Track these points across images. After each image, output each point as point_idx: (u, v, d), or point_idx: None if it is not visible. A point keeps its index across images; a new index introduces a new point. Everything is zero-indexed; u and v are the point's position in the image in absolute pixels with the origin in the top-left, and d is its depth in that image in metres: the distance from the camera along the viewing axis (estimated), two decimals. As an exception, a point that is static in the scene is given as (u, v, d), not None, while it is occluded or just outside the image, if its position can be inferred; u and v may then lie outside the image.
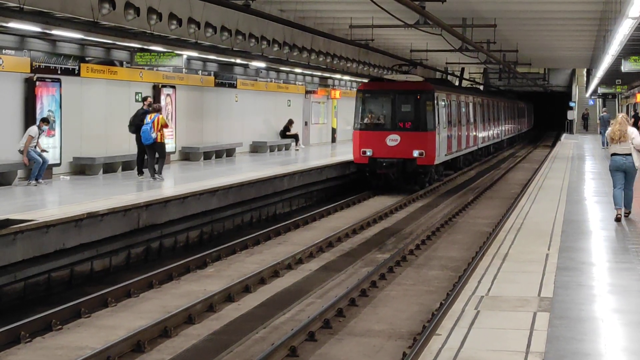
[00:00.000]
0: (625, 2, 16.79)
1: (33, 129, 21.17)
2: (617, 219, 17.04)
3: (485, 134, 47.08)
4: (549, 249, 14.31)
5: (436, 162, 30.65)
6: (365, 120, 30.46)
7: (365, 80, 35.92)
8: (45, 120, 21.57)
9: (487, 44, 34.31)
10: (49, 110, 22.48)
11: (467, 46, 31.59)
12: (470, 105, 41.01)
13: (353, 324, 12.87)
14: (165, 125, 23.27)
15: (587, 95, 75.91)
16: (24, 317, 12.59)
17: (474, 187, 33.74)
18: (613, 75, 48.00)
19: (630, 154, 16.94)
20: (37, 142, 21.30)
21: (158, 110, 23.19)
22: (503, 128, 56.77)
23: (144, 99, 24.83)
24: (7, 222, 14.73)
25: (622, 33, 21.05)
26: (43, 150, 21.53)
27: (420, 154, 29.40)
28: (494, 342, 8.89)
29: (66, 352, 11.38)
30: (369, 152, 29.56)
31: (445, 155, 32.93)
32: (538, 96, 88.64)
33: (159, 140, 22.91)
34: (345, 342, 11.92)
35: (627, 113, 48.06)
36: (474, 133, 42.06)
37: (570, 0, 26.64)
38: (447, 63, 51.67)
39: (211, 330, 12.53)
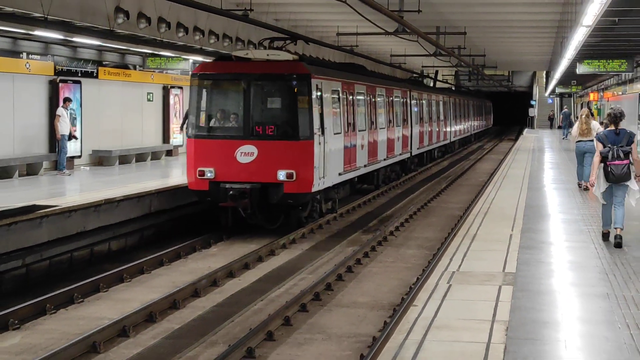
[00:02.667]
0: (579, 12, 16.81)
1: (59, 109, 21.42)
2: (583, 187, 19.81)
3: (425, 136, 35.06)
4: (512, 230, 14.36)
5: (316, 187, 17.96)
6: (204, 123, 18.13)
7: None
8: (67, 100, 21.72)
9: (458, 49, 34.26)
10: (70, 109, 22.43)
11: (441, 51, 31.58)
12: (394, 100, 28.35)
13: (340, 297, 12.88)
14: None
15: (547, 94, 76.05)
16: (50, 291, 12.60)
17: (446, 176, 33.75)
18: (569, 77, 48.08)
19: (591, 140, 18.90)
20: (70, 125, 21.62)
21: None
22: (453, 128, 45.59)
23: None
24: (34, 208, 14.72)
25: (577, 39, 21.09)
26: (73, 137, 21.80)
27: (289, 176, 17.27)
28: (464, 312, 8.93)
29: (87, 322, 11.37)
30: (209, 174, 17.43)
31: (341, 174, 20.20)
32: (503, 95, 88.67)
33: None
34: (333, 313, 11.94)
35: (582, 108, 48.14)
36: (402, 137, 29.40)
37: (532, 10, 26.64)
38: (422, 66, 51.62)
39: (215, 303, 12.53)
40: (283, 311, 11.36)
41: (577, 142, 19.96)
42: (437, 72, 55.80)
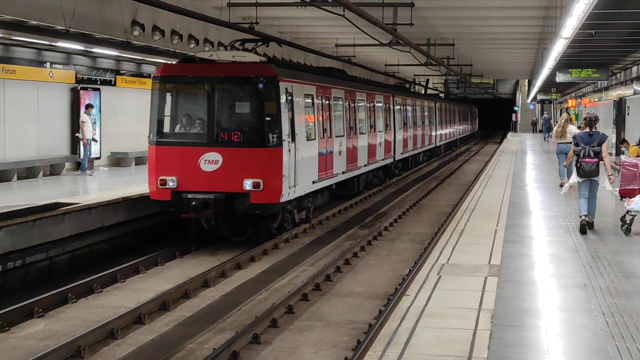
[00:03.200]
0: (559, 25, 16.80)
1: (82, 115, 21.50)
2: (561, 185, 19.69)
3: (409, 141, 32.55)
4: (497, 226, 14.34)
5: (286, 197, 15.75)
6: (166, 129, 15.95)
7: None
8: (89, 106, 21.73)
9: (447, 59, 34.25)
10: (92, 114, 22.41)
11: (431, 61, 31.58)
12: (376, 105, 25.73)
13: (339, 287, 12.87)
14: None
15: (529, 101, 76.10)
16: (71, 282, 12.59)
17: (437, 176, 33.73)
18: (549, 85, 48.14)
19: (569, 142, 18.79)
20: (93, 129, 21.68)
21: None
22: (439, 133, 43.20)
23: None
24: (57, 205, 14.71)
25: (556, 50, 21.09)
26: (93, 139, 21.88)
27: (256, 186, 15.02)
28: (452, 301, 8.91)
29: (106, 310, 11.36)
30: (171, 183, 15.31)
31: (315, 181, 17.92)
32: (489, 102, 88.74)
33: None
34: (332, 302, 11.93)
35: (561, 114, 48.25)
36: (384, 142, 26.77)
37: (515, 24, 26.63)
38: (414, 75, 51.61)
39: (223, 292, 12.52)
40: (286, 300, 11.35)
41: (558, 144, 20.80)
42: (427, 80, 55.78)
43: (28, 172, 20.23)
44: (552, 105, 72.69)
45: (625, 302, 8.81)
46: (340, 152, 20.27)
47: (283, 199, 15.63)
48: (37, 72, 21.03)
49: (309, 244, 16.87)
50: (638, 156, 17.13)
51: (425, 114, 37.89)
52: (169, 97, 16.02)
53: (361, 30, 21.18)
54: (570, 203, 17.38)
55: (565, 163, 15.44)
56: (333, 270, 13.76)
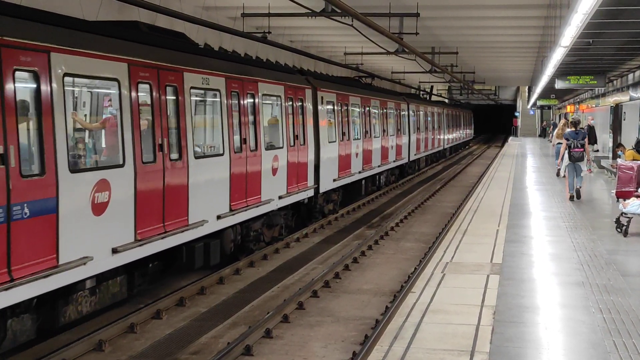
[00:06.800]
0: (558, 34, 16.77)
1: None
2: (557, 174, 24.55)
3: (355, 159, 21.87)
4: (499, 226, 14.35)
5: None
6: None
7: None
8: None
9: (451, 67, 34.20)
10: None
11: (435, 69, 31.54)
12: (245, 101, 13.48)
13: (347, 284, 12.88)
14: None
15: (529, 107, 75.93)
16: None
17: (440, 178, 33.69)
18: (549, 91, 47.94)
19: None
20: None
21: None
22: (416, 144, 33.27)
23: None
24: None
25: (555, 58, 21.03)
26: None
27: None
28: (456, 298, 8.92)
29: (126, 306, 11.35)
30: None
31: None
32: (491, 107, 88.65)
33: None
34: (341, 298, 11.93)
35: (560, 119, 48.19)
36: (285, 167, 15.63)
37: (516, 33, 26.57)
38: (420, 82, 51.50)
39: (237, 289, 12.53)
40: (297, 297, 11.36)
41: (557, 143, 24.68)
42: (432, 87, 55.73)
43: None
44: (551, 111, 72.53)
45: (622, 300, 8.80)
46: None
47: None
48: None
49: (318, 242, 16.88)
50: (634, 160, 17.10)
51: (391, 119, 27.91)
52: None
53: (369, 39, 21.16)
54: (568, 204, 17.37)
55: (560, 157, 19.99)
56: (342, 268, 13.76)
